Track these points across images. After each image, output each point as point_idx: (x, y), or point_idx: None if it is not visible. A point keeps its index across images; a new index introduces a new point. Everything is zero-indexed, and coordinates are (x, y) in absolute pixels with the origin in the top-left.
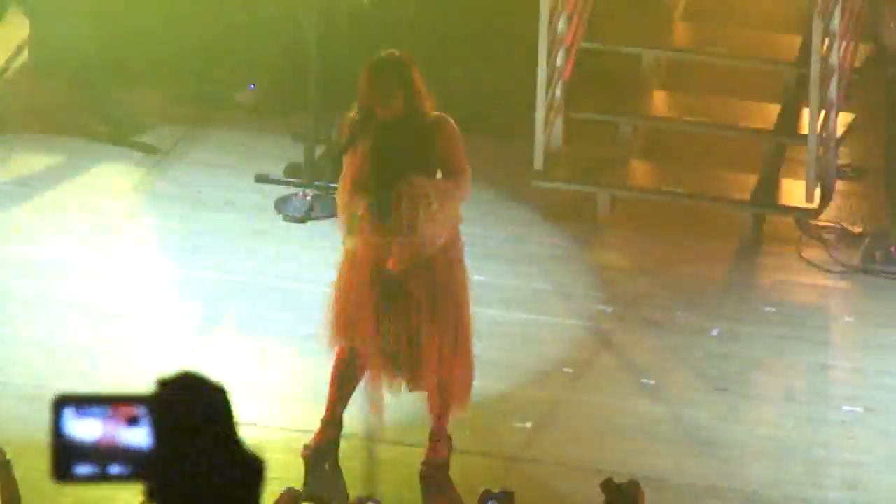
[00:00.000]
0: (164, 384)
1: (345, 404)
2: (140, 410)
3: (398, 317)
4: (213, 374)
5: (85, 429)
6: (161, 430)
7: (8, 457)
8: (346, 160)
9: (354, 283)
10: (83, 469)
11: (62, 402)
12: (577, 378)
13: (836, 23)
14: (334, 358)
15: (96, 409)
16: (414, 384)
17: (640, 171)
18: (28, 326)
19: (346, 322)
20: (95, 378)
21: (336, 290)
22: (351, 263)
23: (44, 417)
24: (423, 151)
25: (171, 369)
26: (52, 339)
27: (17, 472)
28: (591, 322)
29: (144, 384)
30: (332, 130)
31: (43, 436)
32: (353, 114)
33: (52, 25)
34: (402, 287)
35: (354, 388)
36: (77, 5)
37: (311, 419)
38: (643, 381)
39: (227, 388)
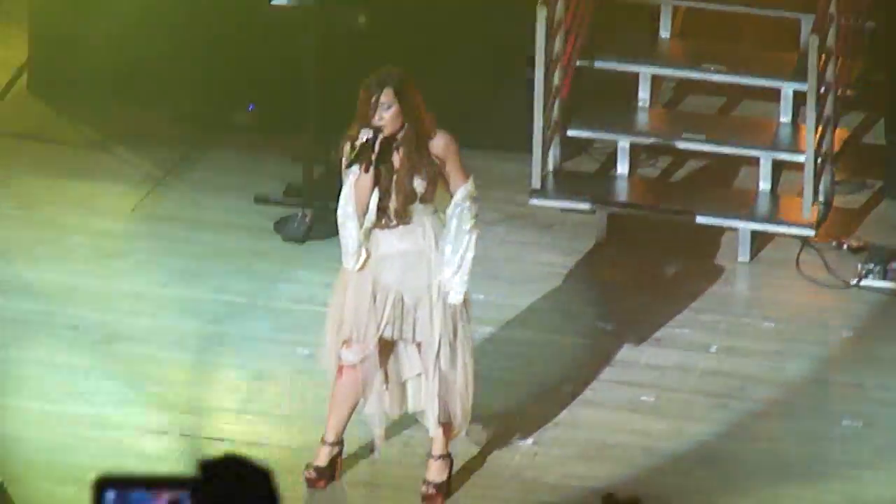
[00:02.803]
0: (207, 468)
1: (345, 424)
2: (182, 494)
3: (398, 334)
4: (213, 395)
5: None
6: None
7: (0, 479)
8: (347, 179)
9: (354, 301)
10: None
11: (103, 484)
12: (577, 395)
13: (831, 39)
14: (334, 377)
15: (137, 493)
16: (414, 402)
17: (638, 189)
18: (29, 349)
19: (345, 341)
20: (96, 400)
21: (335, 308)
22: (350, 282)
23: (46, 439)
24: (423, 167)
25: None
26: (52, 360)
27: (19, 493)
28: (590, 339)
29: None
30: (331, 150)
31: (44, 457)
32: (352, 133)
33: (52, 48)
34: (402, 304)
35: (355, 407)
36: (77, 28)
37: (312, 439)
38: (643, 398)
39: (271, 471)
